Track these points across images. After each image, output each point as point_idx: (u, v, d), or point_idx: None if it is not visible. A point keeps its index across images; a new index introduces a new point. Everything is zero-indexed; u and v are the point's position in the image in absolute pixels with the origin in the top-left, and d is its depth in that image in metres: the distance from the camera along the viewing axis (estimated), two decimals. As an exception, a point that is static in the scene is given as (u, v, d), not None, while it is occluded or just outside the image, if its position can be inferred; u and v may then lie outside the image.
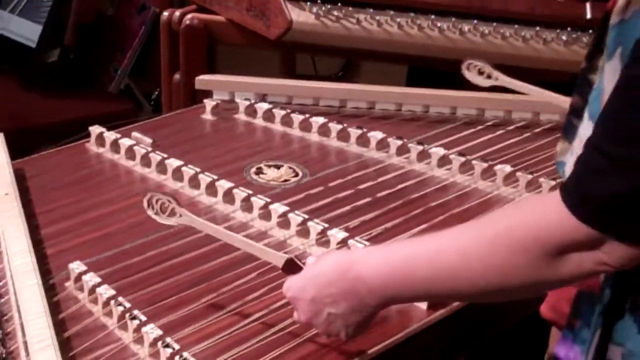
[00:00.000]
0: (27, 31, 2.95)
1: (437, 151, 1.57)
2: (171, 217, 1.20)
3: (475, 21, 1.95)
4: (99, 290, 1.20)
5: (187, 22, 2.11)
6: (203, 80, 1.85)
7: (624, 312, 0.99)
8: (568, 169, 1.04)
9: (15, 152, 1.62)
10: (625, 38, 0.92)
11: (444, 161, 1.56)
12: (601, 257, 0.91)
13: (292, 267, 1.13)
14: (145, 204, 1.21)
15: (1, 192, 1.44)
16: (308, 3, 1.95)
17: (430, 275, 1.00)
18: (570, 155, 1.06)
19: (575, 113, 1.04)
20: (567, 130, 1.07)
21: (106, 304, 1.18)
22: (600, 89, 0.96)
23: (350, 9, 1.95)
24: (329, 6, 1.94)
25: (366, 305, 1.04)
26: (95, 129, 1.67)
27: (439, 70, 2.08)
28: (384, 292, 1.03)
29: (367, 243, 1.29)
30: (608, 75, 0.94)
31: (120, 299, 1.18)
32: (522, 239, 0.93)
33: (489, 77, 1.63)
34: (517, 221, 0.96)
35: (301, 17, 1.94)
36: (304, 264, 1.13)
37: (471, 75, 1.64)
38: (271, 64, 2.64)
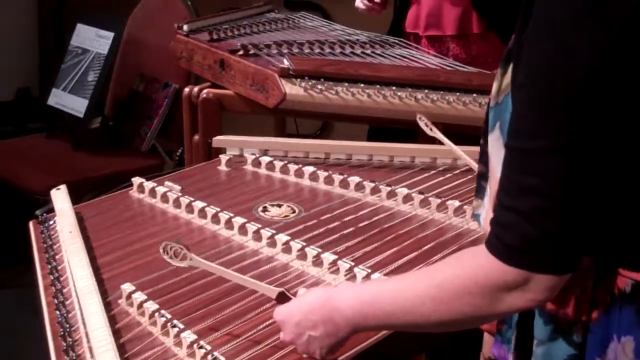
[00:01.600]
0: (76, 104, 2.95)
1: (401, 191, 1.57)
2: (183, 261, 1.20)
3: (426, 90, 1.95)
4: (145, 305, 1.20)
5: (204, 95, 2.11)
6: (219, 140, 1.84)
7: (533, 313, 1.00)
8: (482, 220, 1.07)
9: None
10: (500, 115, 0.96)
11: (407, 198, 1.56)
12: (529, 295, 0.90)
13: (283, 298, 1.13)
14: (161, 251, 1.20)
15: (67, 231, 1.43)
16: (298, 79, 1.95)
17: (392, 310, 0.99)
18: (482, 208, 1.07)
19: (482, 177, 1.06)
20: (478, 190, 1.08)
21: (151, 316, 1.18)
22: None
23: (331, 83, 1.95)
24: (314, 81, 1.95)
25: (339, 331, 1.04)
26: (136, 180, 1.66)
27: (393, 128, 2.07)
28: (355, 321, 1.03)
29: (352, 263, 1.29)
30: (492, 143, 0.99)
31: (162, 311, 1.18)
32: (465, 284, 0.93)
33: (430, 129, 1.66)
34: (459, 269, 0.95)
35: (293, 90, 1.95)
36: (293, 294, 1.14)
37: (421, 124, 1.66)
38: (267, 125, 2.65)
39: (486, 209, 1.05)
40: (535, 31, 0.87)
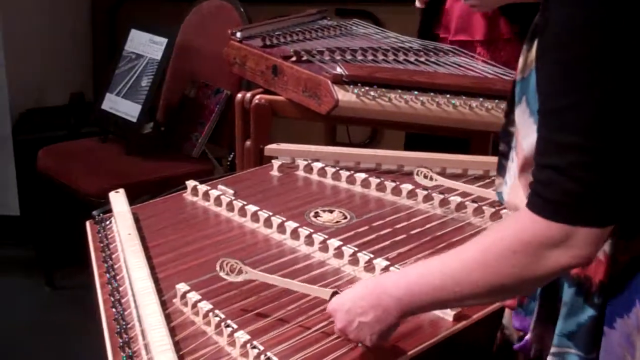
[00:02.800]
0: (129, 109, 3.00)
1: (455, 199, 1.58)
2: (239, 275, 1.24)
3: (481, 99, 1.95)
4: (199, 305, 1.22)
5: (256, 101, 2.15)
6: (271, 148, 1.87)
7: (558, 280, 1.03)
8: (505, 195, 1.11)
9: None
10: (526, 89, 1.00)
11: (460, 207, 1.57)
12: (573, 250, 0.92)
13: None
14: (217, 268, 1.25)
15: (125, 233, 1.46)
16: (350, 86, 1.97)
17: (440, 283, 1.01)
18: (504, 185, 1.11)
19: (504, 156, 1.11)
20: (500, 169, 1.13)
21: (205, 315, 1.21)
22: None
23: (383, 90, 1.97)
24: (366, 88, 1.96)
25: (389, 315, 1.06)
26: (190, 183, 1.70)
27: (432, 136, 2.09)
28: (403, 302, 1.05)
29: (405, 269, 1.31)
30: (518, 116, 1.02)
31: (217, 311, 1.20)
32: (510, 244, 0.95)
33: (431, 179, 1.64)
34: (503, 232, 0.97)
35: (345, 96, 1.96)
36: None
37: (419, 178, 1.65)
38: (318, 132, 2.67)
39: (509, 185, 1.08)
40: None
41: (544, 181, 0.92)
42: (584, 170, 0.89)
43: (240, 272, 1.25)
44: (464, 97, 1.96)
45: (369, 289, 1.09)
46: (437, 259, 1.07)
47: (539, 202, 0.93)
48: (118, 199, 1.63)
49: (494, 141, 1.99)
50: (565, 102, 0.90)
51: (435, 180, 1.63)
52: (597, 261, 0.99)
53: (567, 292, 1.03)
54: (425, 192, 1.62)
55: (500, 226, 1.02)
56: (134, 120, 2.95)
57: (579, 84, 0.89)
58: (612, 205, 0.91)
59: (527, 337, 1.11)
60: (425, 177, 1.64)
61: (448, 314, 1.22)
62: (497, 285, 0.97)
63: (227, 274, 1.25)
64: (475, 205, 1.55)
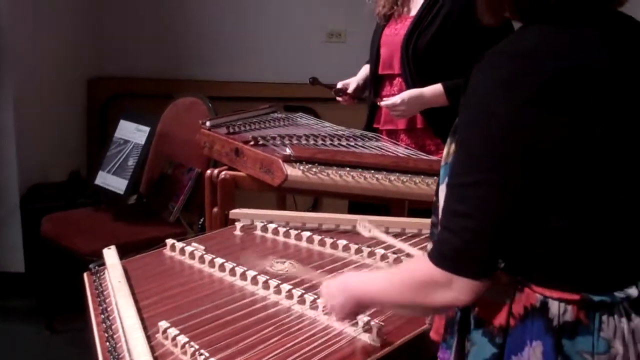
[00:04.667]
0: (118, 184, 2.99)
1: (379, 251, 1.61)
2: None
3: (398, 174, 2.00)
4: (178, 338, 1.22)
5: (222, 176, 2.16)
6: (235, 212, 1.88)
7: (470, 322, 1.06)
8: None
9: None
10: (448, 173, 1.05)
11: (383, 257, 1.60)
12: (453, 293, 0.98)
13: None
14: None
15: (116, 281, 1.46)
16: (297, 163, 2.00)
17: (379, 288, 1.11)
18: None
19: (434, 226, 1.13)
20: (431, 236, 1.16)
21: (182, 346, 1.21)
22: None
23: (323, 167, 2.00)
24: (309, 165, 1.99)
25: (349, 301, 1.17)
26: (169, 241, 1.70)
27: (369, 203, 2.12)
28: (359, 294, 1.16)
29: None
30: (441, 194, 1.07)
31: (192, 343, 1.20)
32: (412, 277, 1.04)
33: (369, 230, 1.71)
34: (414, 266, 1.09)
35: (293, 172, 1.98)
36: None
37: (361, 229, 1.72)
38: (271, 200, 2.69)
39: None
40: (467, 101, 0.98)
41: (440, 238, 0.99)
42: (468, 233, 0.95)
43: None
44: (384, 172, 2.00)
45: (340, 282, 1.20)
46: (387, 271, 1.27)
47: (434, 252, 0.99)
48: (110, 254, 1.63)
49: (409, 207, 2.04)
50: (461, 180, 0.96)
51: (372, 234, 1.68)
52: (499, 309, 1.02)
53: (475, 334, 1.05)
54: (356, 246, 1.64)
55: (411, 263, 1.17)
56: (122, 192, 2.94)
57: (472, 169, 0.95)
58: (485, 263, 0.97)
59: None
60: (365, 227, 1.70)
61: (376, 341, 1.24)
62: (406, 303, 1.06)
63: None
64: (395, 256, 1.58)
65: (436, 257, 0.98)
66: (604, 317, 0.97)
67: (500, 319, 1.01)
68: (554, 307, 0.98)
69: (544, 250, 0.98)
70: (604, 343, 0.97)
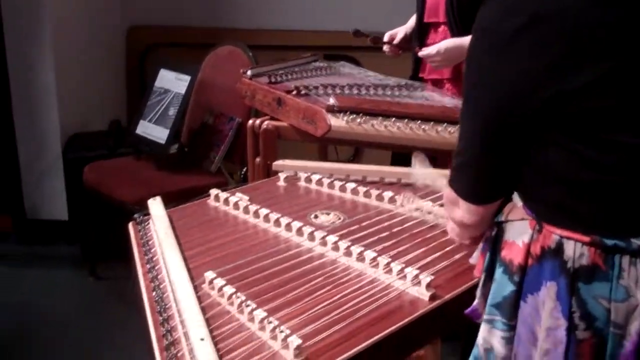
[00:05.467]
0: (159, 133, 2.99)
1: (427, 204, 1.59)
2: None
3: (445, 124, 1.96)
4: (224, 289, 1.22)
5: (265, 126, 2.14)
6: (278, 164, 1.86)
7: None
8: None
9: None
10: None
11: (431, 210, 1.57)
12: (460, 212, 1.09)
13: None
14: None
15: (162, 232, 1.46)
16: (341, 114, 1.97)
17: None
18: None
19: None
20: None
21: (229, 297, 1.21)
22: None
23: (367, 117, 1.97)
24: (354, 116, 1.96)
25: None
26: (213, 191, 1.69)
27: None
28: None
29: (389, 259, 1.31)
30: None
31: (238, 294, 1.20)
32: (445, 195, 1.14)
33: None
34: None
35: (336, 123, 1.96)
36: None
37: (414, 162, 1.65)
38: (312, 151, 2.67)
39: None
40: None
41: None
42: (458, 159, 1.05)
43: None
44: (431, 123, 1.97)
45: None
46: None
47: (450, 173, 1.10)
48: (155, 205, 1.63)
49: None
50: (461, 110, 1.06)
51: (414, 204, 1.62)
52: (517, 248, 1.04)
53: (497, 271, 1.08)
54: (403, 199, 1.62)
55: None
56: (163, 142, 2.94)
57: (465, 101, 1.04)
58: (476, 191, 1.06)
59: (474, 303, 1.14)
60: (421, 161, 1.64)
61: (425, 295, 1.23)
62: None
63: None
64: (443, 209, 1.54)
65: (449, 178, 1.09)
66: (624, 265, 0.96)
67: (519, 258, 1.04)
68: (569, 249, 0.98)
69: (554, 190, 0.99)
70: (623, 290, 0.96)
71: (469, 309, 1.15)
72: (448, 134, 1.96)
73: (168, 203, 1.67)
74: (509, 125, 0.98)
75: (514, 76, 0.95)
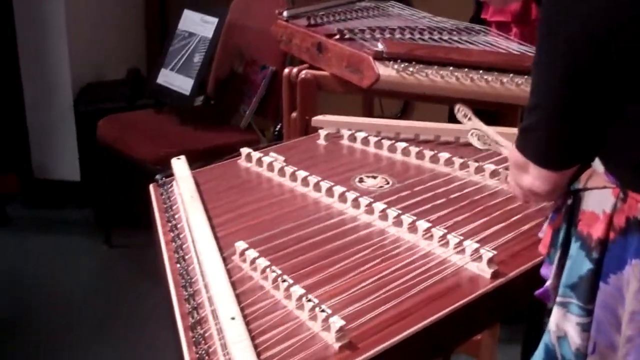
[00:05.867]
0: (182, 83, 3.01)
1: (489, 167, 1.57)
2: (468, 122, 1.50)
3: (511, 75, 1.93)
4: (257, 261, 1.22)
5: (303, 76, 2.13)
6: (318, 119, 1.85)
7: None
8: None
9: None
10: None
11: (494, 174, 1.55)
12: (530, 178, 1.06)
13: None
14: (455, 110, 1.54)
15: (188, 195, 1.47)
16: (390, 62, 1.95)
17: None
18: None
19: None
20: None
21: (263, 271, 1.20)
22: None
23: (421, 65, 1.94)
24: (405, 64, 1.94)
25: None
26: (244, 150, 1.69)
27: (478, 110, 2.06)
28: None
29: (445, 230, 1.30)
30: None
31: (273, 267, 1.20)
32: (511, 157, 1.11)
33: (469, 119, 1.58)
34: None
35: (386, 72, 1.94)
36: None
37: (459, 115, 1.59)
38: (356, 105, 2.65)
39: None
40: None
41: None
42: (531, 116, 1.01)
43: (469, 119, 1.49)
44: (495, 73, 1.93)
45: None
46: None
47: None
48: (180, 165, 1.63)
49: (522, 115, 1.97)
50: (534, 59, 1.01)
51: (473, 122, 1.57)
52: (597, 219, 1.01)
53: (573, 246, 1.05)
54: (461, 160, 1.60)
55: None
56: (187, 93, 2.96)
57: (539, 49, 1.00)
58: (548, 152, 1.03)
59: (547, 284, 1.12)
60: (465, 115, 1.58)
61: (486, 272, 1.21)
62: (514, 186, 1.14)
63: (463, 116, 1.51)
64: (507, 172, 1.52)
65: (517, 139, 1.06)
66: None
67: (599, 231, 1.00)
68: None
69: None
70: None
71: (540, 290, 1.13)
72: (515, 86, 1.92)
73: (193, 163, 1.68)
74: (593, 75, 0.94)
75: (602, 11, 0.91)
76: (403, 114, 3.65)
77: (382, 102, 3.22)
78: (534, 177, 1.05)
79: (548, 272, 1.12)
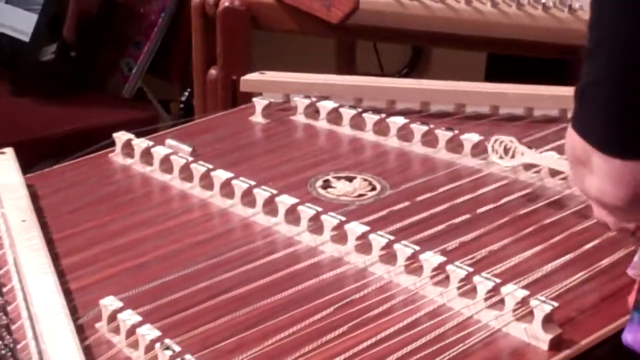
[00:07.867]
0: (19, 22, 2.98)
1: (550, 156, 1.57)
2: (513, 159, 1.51)
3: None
4: (139, 331, 1.20)
5: (226, 4, 2.14)
6: (251, 80, 1.87)
7: None
8: None
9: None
10: None
11: (556, 171, 1.57)
12: (596, 180, 1.04)
13: None
14: (489, 150, 1.58)
15: (17, 219, 1.46)
16: (379, -24, 1.97)
17: None
18: None
19: None
20: None
21: (149, 347, 1.19)
22: None
23: (432, -18, 1.97)
24: (404, -21, 1.96)
25: None
26: (121, 136, 1.70)
27: (529, 60, 2.10)
28: None
29: (471, 269, 1.30)
30: None
31: (167, 341, 1.18)
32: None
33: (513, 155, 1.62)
34: None
35: (370, -6, 1.96)
36: None
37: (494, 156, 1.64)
38: (326, 58, 2.66)
39: None
40: None
41: None
42: (592, 72, 1.00)
43: (515, 154, 1.53)
44: (562, -6, 1.98)
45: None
46: None
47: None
48: (2, 166, 1.63)
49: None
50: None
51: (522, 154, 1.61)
52: None
53: None
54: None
55: None
56: (27, 39, 2.94)
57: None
58: (621, 124, 1.01)
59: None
60: (507, 150, 1.62)
61: (542, 339, 1.21)
62: None
63: (501, 157, 1.54)
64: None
65: (573, 114, 1.08)
66: None
67: None
68: None
69: None
70: None
71: (628, 339, 1.16)
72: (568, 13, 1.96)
73: (39, 160, 1.68)
74: None
75: None
76: (411, 71, 3.68)
77: (380, 53, 3.25)
78: (600, 178, 1.06)
79: (637, 338, 1.13)
